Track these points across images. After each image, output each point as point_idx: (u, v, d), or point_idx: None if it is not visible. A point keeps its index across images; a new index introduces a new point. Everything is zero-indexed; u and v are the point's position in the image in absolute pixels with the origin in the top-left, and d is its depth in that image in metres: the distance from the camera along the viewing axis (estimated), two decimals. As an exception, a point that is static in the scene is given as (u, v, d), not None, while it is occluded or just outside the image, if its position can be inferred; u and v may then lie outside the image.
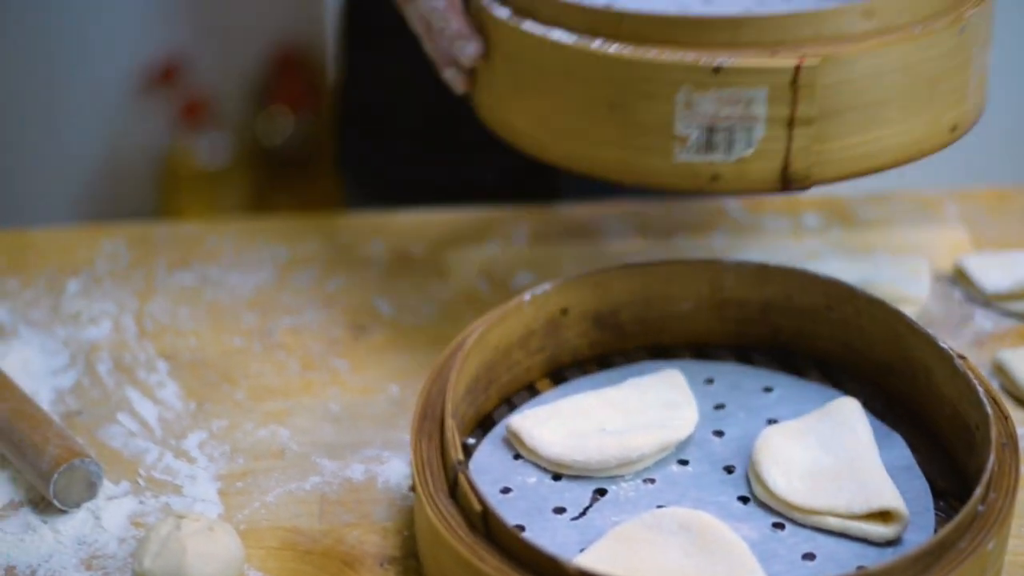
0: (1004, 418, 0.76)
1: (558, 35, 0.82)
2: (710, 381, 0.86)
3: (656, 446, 0.78)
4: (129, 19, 2.22)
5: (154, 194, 2.45)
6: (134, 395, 0.92)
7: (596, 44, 0.80)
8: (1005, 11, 0.91)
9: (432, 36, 0.90)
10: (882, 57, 0.78)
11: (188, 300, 1.02)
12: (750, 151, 0.78)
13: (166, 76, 2.29)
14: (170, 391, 0.92)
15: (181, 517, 0.76)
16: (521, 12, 0.85)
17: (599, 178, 0.83)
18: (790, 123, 0.78)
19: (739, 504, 0.76)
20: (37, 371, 0.94)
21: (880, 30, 0.79)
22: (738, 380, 0.86)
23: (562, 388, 0.86)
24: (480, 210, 1.13)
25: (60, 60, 2.19)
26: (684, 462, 0.79)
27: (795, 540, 0.74)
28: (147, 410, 0.91)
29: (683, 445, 0.80)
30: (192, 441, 0.88)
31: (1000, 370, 0.92)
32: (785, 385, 0.85)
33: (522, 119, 0.86)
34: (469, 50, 0.88)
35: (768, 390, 0.85)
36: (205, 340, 0.98)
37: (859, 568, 0.71)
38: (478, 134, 1.04)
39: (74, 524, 0.80)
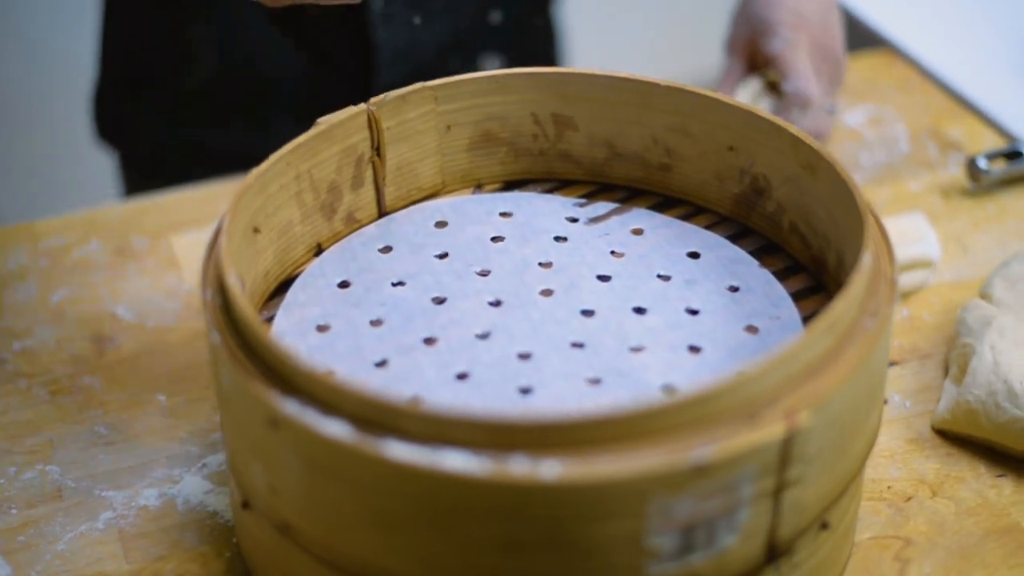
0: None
1: (453, 461, 0.57)
2: None
3: None
4: None
5: None
6: None
7: (517, 466, 0.57)
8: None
9: None
10: (859, 373, 0.63)
11: None
12: (734, 538, 0.61)
13: None
14: (-95, 446, 0.80)
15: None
16: (370, 427, 0.59)
17: None
18: (777, 491, 0.61)
19: None
20: None
21: (840, 340, 0.64)
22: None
23: None
24: (198, 188, 1.04)
25: None
26: None
27: None
28: None
29: None
30: (-50, 499, 0.77)
31: None
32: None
33: (392, 559, 0.62)
34: None
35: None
36: (-73, 381, 0.85)
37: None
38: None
39: None
